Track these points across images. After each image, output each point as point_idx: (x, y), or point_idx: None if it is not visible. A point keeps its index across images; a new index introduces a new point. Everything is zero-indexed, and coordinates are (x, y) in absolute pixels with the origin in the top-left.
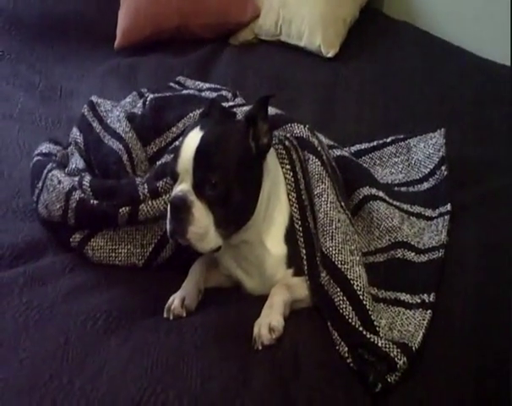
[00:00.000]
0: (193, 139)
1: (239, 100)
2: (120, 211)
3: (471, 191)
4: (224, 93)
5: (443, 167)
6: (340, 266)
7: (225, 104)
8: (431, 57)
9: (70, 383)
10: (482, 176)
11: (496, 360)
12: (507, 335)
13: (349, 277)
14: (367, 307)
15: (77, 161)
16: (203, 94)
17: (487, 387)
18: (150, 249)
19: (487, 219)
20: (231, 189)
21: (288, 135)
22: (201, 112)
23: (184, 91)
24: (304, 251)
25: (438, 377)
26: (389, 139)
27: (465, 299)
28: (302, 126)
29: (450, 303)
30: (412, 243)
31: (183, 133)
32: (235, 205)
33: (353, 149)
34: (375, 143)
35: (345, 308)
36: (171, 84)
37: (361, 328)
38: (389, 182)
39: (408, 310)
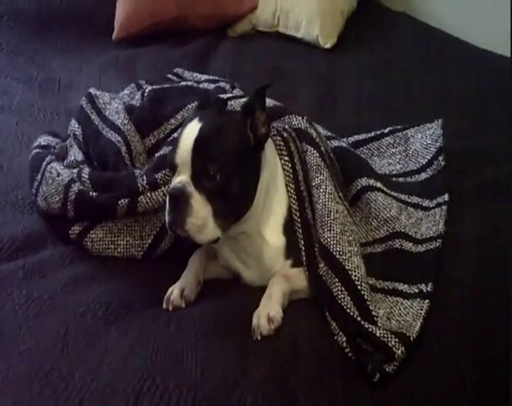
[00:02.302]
0: (192, 130)
1: (237, 91)
2: (119, 202)
3: (470, 181)
4: (222, 84)
5: (440, 158)
6: (338, 256)
7: (223, 96)
8: (429, 48)
9: (70, 374)
10: (480, 166)
11: (495, 349)
12: (506, 324)
13: (347, 267)
14: (366, 297)
15: (75, 154)
16: (201, 85)
17: (486, 376)
18: (149, 240)
19: (485, 209)
20: (229, 180)
21: (286, 127)
22: (198, 105)
23: (182, 83)
24: (302, 242)
25: (437, 366)
26: (386, 130)
27: (463, 288)
28: (300, 117)
29: (448, 292)
30: (410, 233)
31: (182, 124)
32: (233, 196)
33: (351, 139)
34: (373, 134)
35: (344, 298)
36: (169, 75)
37: (359, 318)
38: (387, 172)
39: (406, 300)
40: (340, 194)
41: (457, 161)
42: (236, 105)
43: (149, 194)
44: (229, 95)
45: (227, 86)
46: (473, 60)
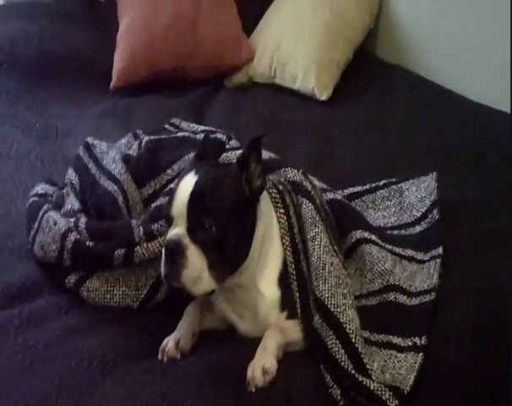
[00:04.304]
0: (188, 183)
1: (234, 142)
2: (115, 253)
3: (467, 232)
4: (219, 135)
5: (434, 211)
6: (332, 309)
7: None
8: (424, 101)
9: None
10: (476, 217)
11: (492, 403)
12: (504, 377)
13: (341, 320)
14: (360, 350)
15: (72, 202)
16: (197, 136)
17: None
18: (145, 291)
19: (481, 261)
20: (224, 233)
21: (282, 180)
22: (196, 154)
23: (179, 134)
24: (297, 295)
25: None
26: (381, 183)
27: (458, 341)
28: (295, 170)
29: (445, 345)
30: (404, 286)
31: (178, 175)
32: (229, 248)
33: (346, 192)
34: (368, 186)
35: (338, 351)
36: (167, 126)
37: (353, 371)
38: (382, 225)
39: (400, 353)
40: (335, 247)
41: (454, 213)
42: (232, 156)
43: (145, 244)
44: (227, 146)
45: (224, 137)
46: (469, 113)
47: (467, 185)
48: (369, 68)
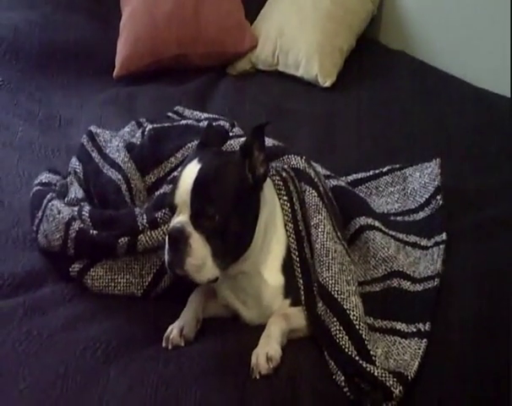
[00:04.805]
0: (191, 171)
1: (237, 130)
2: (119, 241)
3: (469, 219)
4: (222, 123)
5: (438, 197)
6: (336, 296)
7: None
8: (428, 87)
9: None
10: (479, 204)
11: (494, 389)
12: (505, 363)
13: (345, 306)
14: (364, 337)
15: (76, 191)
16: (201, 124)
17: None
18: (149, 278)
19: (484, 248)
20: (228, 221)
21: (285, 167)
22: (199, 142)
23: (182, 122)
24: (301, 281)
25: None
26: (385, 169)
27: (461, 327)
28: (298, 157)
29: (448, 331)
30: (408, 272)
31: (182, 163)
32: (232, 236)
33: (350, 178)
34: (371, 172)
35: (342, 337)
36: (170, 114)
37: (357, 358)
38: (385, 211)
39: (404, 339)
40: (339, 234)
41: (456, 200)
42: (235, 144)
43: (149, 232)
44: (229, 134)
45: (227, 125)
46: (472, 99)
47: (469, 172)
48: (373, 55)
